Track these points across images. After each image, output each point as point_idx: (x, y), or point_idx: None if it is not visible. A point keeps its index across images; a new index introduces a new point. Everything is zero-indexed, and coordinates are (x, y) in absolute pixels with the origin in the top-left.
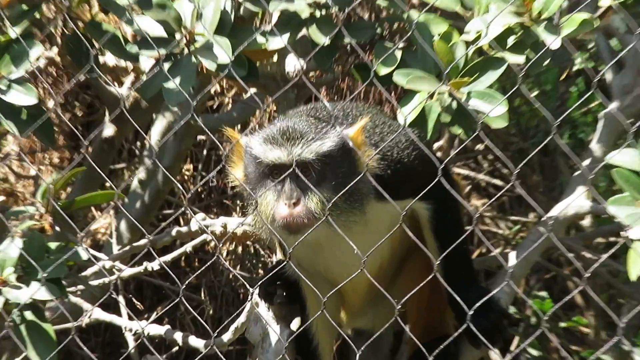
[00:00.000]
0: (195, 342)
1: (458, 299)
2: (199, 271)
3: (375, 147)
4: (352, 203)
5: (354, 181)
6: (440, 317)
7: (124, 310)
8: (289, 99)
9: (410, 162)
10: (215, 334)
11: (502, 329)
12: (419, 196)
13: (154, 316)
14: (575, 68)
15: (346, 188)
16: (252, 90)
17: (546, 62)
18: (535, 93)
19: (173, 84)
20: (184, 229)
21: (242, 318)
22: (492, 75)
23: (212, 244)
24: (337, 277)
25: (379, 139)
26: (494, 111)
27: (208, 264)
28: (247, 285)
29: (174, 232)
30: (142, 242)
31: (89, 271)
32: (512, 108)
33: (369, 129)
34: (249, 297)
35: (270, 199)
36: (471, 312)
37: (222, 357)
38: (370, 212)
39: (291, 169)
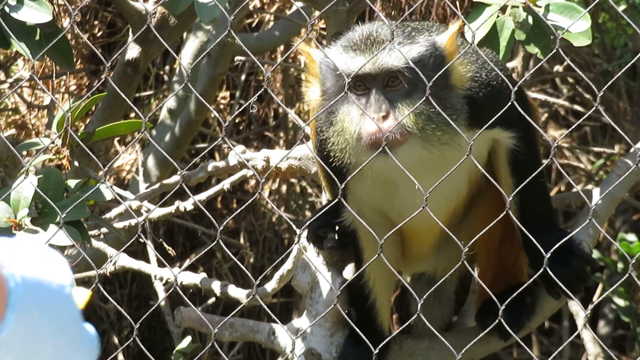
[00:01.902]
0: (236, 292)
1: (534, 240)
2: (237, 211)
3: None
4: (445, 120)
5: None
6: (513, 264)
7: (153, 256)
8: (339, 14)
9: (499, 86)
10: (257, 282)
11: (584, 276)
12: (492, 123)
13: (186, 264)
14: None
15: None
16: (299, 4)
17: None
18: (623, 7)
19: None
20: (221, 163)
21: (288, 264)
22: None
23: (252, 182)
24: (409, 221)
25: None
26: (575, 26)
27: (247, 203)
28: (294, 227)
29: (210, 167)
30: (174, 179)
31: (114, 212)
32: (595, 24)
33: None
34: (296, 240)
35: (354, 114)
36: (548, 256)
37: (266, 308)
38: (459, 140)
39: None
